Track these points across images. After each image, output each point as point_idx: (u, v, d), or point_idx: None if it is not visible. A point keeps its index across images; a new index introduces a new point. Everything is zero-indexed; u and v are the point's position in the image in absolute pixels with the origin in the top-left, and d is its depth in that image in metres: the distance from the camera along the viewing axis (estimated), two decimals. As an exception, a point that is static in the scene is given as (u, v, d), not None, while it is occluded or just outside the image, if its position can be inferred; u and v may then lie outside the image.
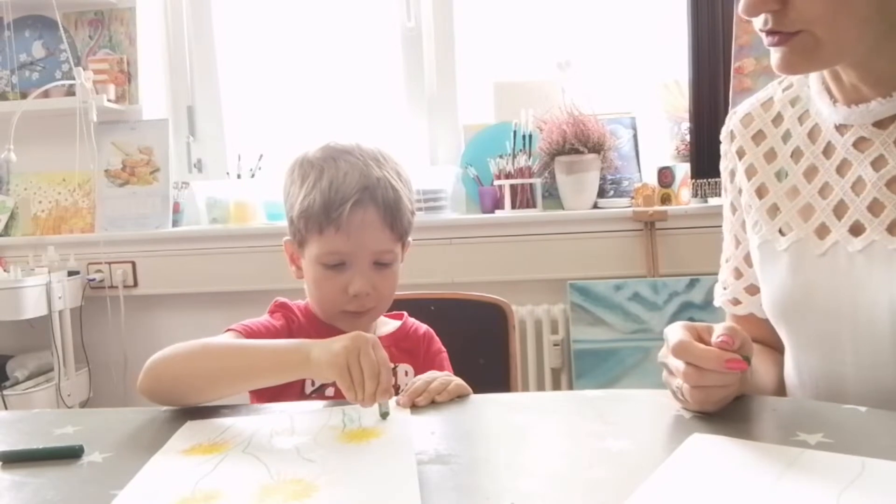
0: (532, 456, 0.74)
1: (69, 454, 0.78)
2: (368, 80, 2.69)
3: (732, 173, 1.03)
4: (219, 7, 2.75)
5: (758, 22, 0.83)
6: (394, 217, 1.08)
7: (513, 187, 2.39)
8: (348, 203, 1.04)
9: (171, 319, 2.54)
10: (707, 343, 0.80)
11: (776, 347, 1.02)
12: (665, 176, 2.34)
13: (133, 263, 2.53)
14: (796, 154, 0.95)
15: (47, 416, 0.96)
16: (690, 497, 0.62)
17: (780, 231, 0.94)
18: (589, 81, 2.55)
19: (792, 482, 0.62)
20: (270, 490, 0.66)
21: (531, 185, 2.39)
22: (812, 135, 0.94)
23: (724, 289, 1.06)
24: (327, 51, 2.70)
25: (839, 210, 0.89)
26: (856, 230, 0.88)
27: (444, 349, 1.18)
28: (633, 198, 2.39)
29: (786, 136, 0.97)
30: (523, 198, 2.39)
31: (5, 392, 2.32)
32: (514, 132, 2.44)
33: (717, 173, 2.22)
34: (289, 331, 1.12)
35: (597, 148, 2.36)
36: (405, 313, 1.21)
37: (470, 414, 0.88)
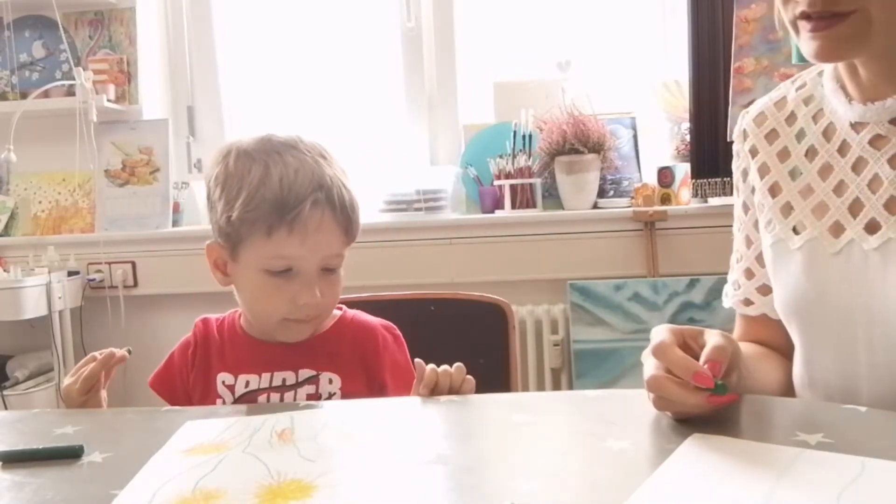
0: (532, 456, 0.73)
1: (69, 454, 0.77)
2: (368, 79, 2.69)
3: (745, 172, 1.03)
4: (219, 7, 2.75)
5: (802, 4, 0.80)
6: (348, 219, 1.01)
7: (513, 187, 2.39)
8: (307, 203, 0.97)
9: (171, 319, 2.53)
10: (691, 348, 0.80)
11: (784, 352, 1.01)
12: (665, 176, 2.34)
13: (133, 263, 2.53)
14: (811, 153, 0.95)
15: (47, 416, 0.96)
16: (690, 497, 0.62)
17: (794, 230, 0.93)
18: (589, 81, 2.55)
19: (792, 482, 0.62)
20: (270, 490, 0.66)
21: (531, 185, 2.39)
22: (827, 133, 0.94)
23: (736, 289, 1.05)
24: (327, 51, 2.70)
25: (854, 208, 0.89)
26: (871, 228, 0.87)
27: (390, 346, 1.10)
28: (633, 198, 2.39)
29: (800, 135, 0.96)
30: (523, 198, 2.39)
31: (5, 392, 2.32)
32: (514, 132, 2.44)
33: (716, 173, 2.27)
34: (195, 346, 1.10)
35: (597, 148, 2.36)
36: (345, 308, 1.13)
37: (470, 414, 0.88)
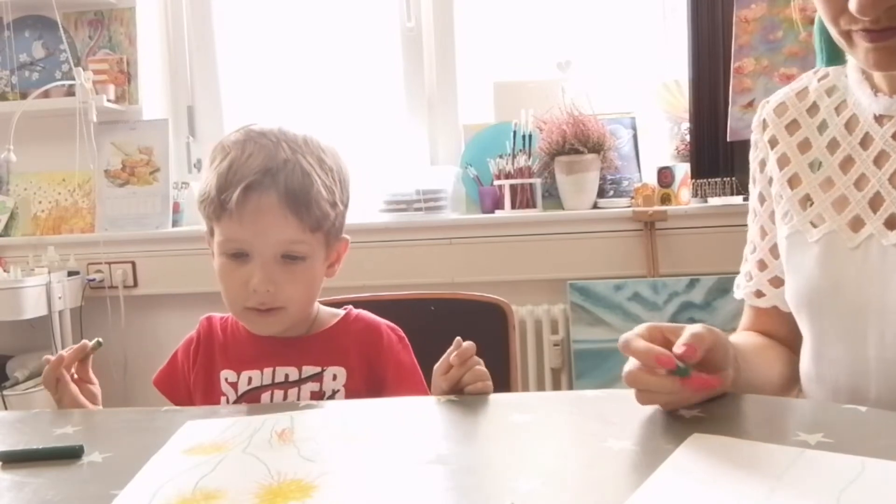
0: (532, 456, 0.73)
1: (69, 454, 0.77)
2: (368, 80, 2.69)
3: (763, 163, 1.02)
4: (219, 7, 2.75)
5: (863, 22, 0.78)
6: (299, 203, 0.97)
7: (513, 187, 2.39)
8: (240, 185, 0.95)
9: (171, 319, 2.53)
10: (672, 342, 0.79)
11: (790, 345, 1.01)
12: (665, 176, 2.34)
13: (133, 263, 2.53)
14: (832, 145, 0.94)
15: (47, 416, 0.96)
16: (690, 497, 0.61)
17: (812, 222, 0.93)
18: (589, 81, 2.55)
19: (792, 482, 0.62)
20: (270, 490, 0.66)
21: (531, 185, 2.39)
22: (849, 125, 0.93)
23: (748, 280, 1.05)
24: (327, 51, 2.70)
25: (875, 203, 0.88)
26: (891, 224, 0.86)
27: (395, 345, 1.09)
28: (633, 198, 2.39)
29: (822, 127, 0.95)
30: (523, 198, 2.39)
31: (5, 392, 2.32)
32: (514, 132, 2.44)
33: (716, 173, 2.27)
34: (198, 343, 1.10)
35: (597, 148, 2.36)
36: (350, 307, 1.13)
37: (470, 414, 0.88)
